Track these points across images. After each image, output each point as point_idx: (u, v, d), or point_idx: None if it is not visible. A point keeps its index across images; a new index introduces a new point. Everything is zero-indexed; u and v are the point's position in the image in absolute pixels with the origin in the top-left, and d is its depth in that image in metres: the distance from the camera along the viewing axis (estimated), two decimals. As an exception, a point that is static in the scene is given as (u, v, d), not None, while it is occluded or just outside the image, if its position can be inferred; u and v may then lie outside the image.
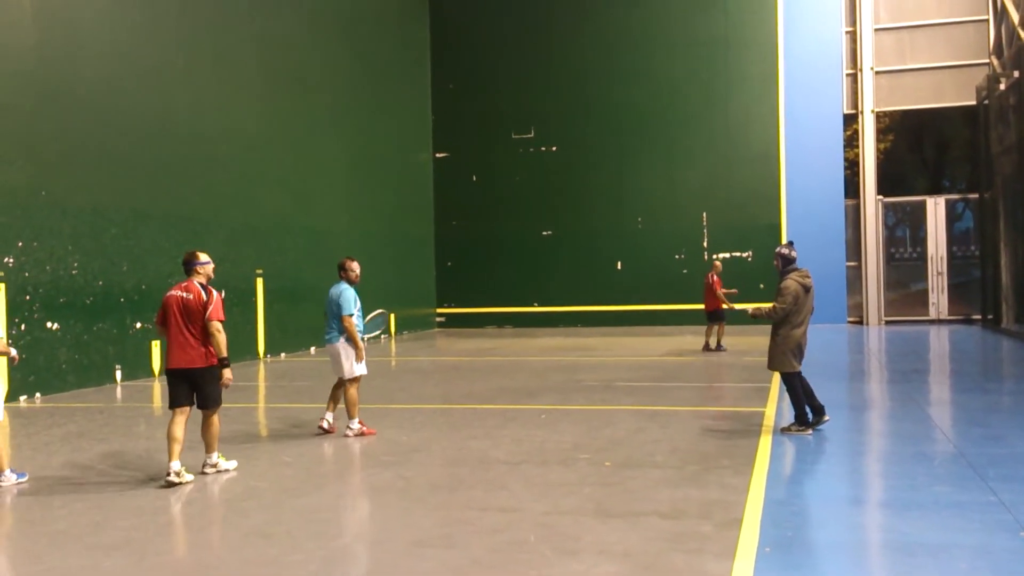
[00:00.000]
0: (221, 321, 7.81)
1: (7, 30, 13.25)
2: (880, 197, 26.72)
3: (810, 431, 9.23)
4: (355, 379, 9.66)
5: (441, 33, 29.21)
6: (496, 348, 21.14)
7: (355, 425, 9.65)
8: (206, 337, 7.78)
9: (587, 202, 27.82)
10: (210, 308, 7.74)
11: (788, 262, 9.44)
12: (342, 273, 9.97)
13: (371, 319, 10.63)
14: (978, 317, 25.82)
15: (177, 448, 7.63)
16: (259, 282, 19.10)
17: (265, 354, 19.22)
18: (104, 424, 10.93)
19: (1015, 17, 22.50)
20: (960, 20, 26.35)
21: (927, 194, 27.33)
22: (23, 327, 13.24)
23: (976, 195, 26.34)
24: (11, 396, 12.96)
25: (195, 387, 7.84)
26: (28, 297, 13.34)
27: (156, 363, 15.83)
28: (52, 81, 14.03)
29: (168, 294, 7.90)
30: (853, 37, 26.89)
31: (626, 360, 17.52)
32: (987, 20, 25.94)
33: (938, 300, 26.59)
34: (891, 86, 26.84)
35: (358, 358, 9.59)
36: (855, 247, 26.80)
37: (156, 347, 15.79)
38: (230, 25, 18.74)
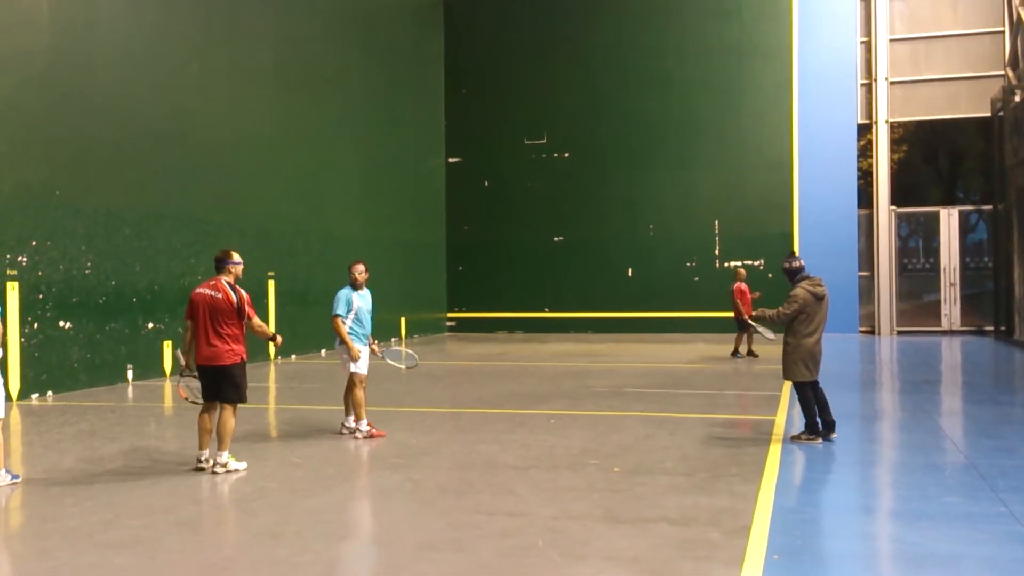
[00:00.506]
0: (255, 316, 8.15)
1: (23, 32, 13.35)
2: (893, 207, 26.65)
3: (820, 440, 9.20)
4: (359, 380, 9.69)
5: (454, 39, 29.27)
6: (506, 353, 21.14)
7: (364, 427, 9.67)
8: (232, 335, 7.97)
9: (599, 208, 27.81)
10: (246, 308, 7.98)
11: (793, 273, 9.41)
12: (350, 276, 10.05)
13: (393, 352, 10.63)
14: (990, 328, 25.71)
15: (206, 438, 8.09)
16: (271, 284, 19.16)
17: (276, 356, 19.27)
18: (115, 423, 10.97)
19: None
20: (976, 32, 26.28)
21: (940, 205, 27.24)
22: (36, 326, 13.31)
23: (990, 207, 26.25)
24: (23, 394, 13.03)
25: (218, 382, 8.01)
26: (41, 296, 13.41)
27: (167, 363, 15.88)
28: (67, 83, 14.12)
29: (196, 291, 8.09)
30: (868, 47, 26.85)
31: (636, 366, 17.50)
32: (1003, 32, 25.87)
33: (950, 311, 26.48)
34: (906, 96, 26.79)
35: (352, 357, 9.62)
36: (868, 257, 26.74)
37: (168, 347, 15.85)
38: (245, 30, 18.83)
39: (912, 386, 14.33)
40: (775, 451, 8.74)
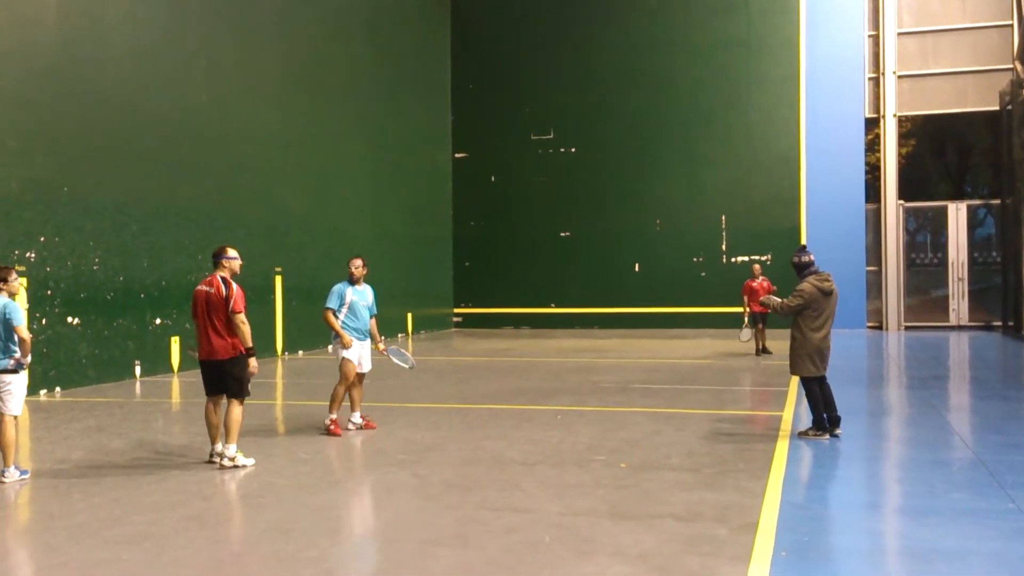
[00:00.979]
0: (241, 312, 8.03)
1: (31, 27, 13.37)
2: (901, 202, 26.58)
3: (827, 436, 9.19)
4: (348, 374, 9.71)
5: (462, 34, 29.24)
6: (512, 349, 21.14)
7: (327, 420, 9.75)
8: (229, 329, 8.01)
9: (605, 204, 27.78)
10: (232, 301, 7.96)
11: (801, 268, 9.38)
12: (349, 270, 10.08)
13: (399, 353, 10.62)
14: (998, 323, 25.64)
15: (215, 432, 8.21)
16: (278, 280, 19.19)
17: (283, 351, 19.30)
18: (123, 419, 11.00)
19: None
20: (984, 25, 26.17)
21: (948, 199, 27.15)
22: (44, 321, 13.35)
23: (998, 201, 26.17)
24: (31, 390, 13.05)
25: (220, 377, 8.10)
26: (49, 292, 13.45)
27: (175, 359, 15.92)
28: (76, 78, 14.14)
29: (196, 288, 8.22)
30: (876, 41, 26.76)
31: (642, 362, 17.49)
32: (1011, 25, 25.76)
33: (958, 306, 26.41)
34: (913, 90, 26.70)
35: (344, 344, 9.66)
36: (875, 252, 26.67)
37: (175, 343, 15.88)
38: (253, 25, 18.84)
39: (920, 382, 14.30)
40: (782, 447, 8.73)
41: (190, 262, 16.34)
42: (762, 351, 18.13)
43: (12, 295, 7.74)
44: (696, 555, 5.44)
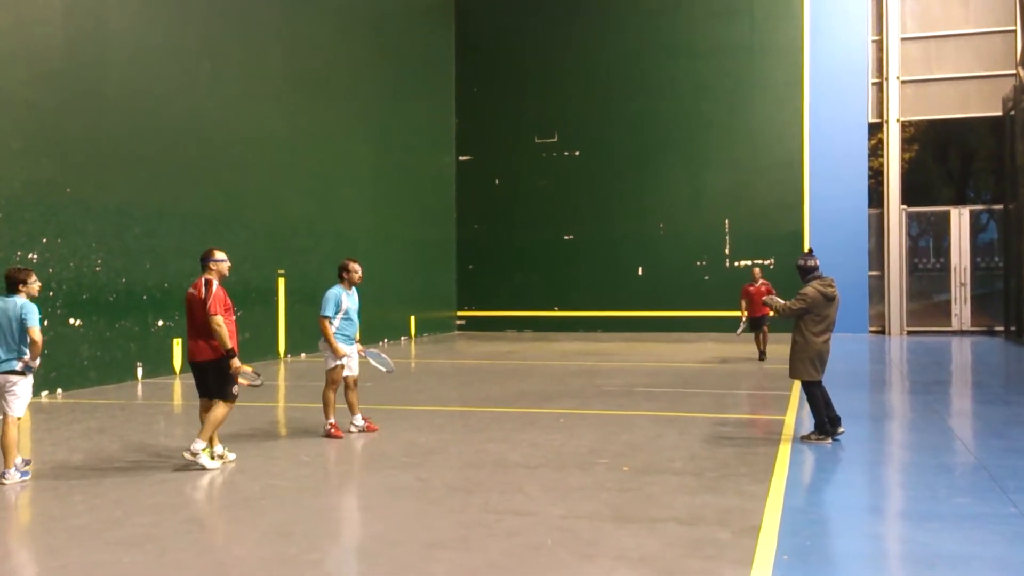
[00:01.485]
0: (217, 315, 7.94)
1: (36, 28, 13.39)
2: (904, 207, 26.56)
3: (830, 440, 9.17)
4: (334, 380, 9.68)
5: (466, 37, 29.28)
6: (515, 352, 21.14)
7: (327, 425, 9.71)
8: (210, 331, 7.97)
9: (609, 207, 27.78)
10: (209, 302, 7.93)
11: (806, 272, 9.37)
12: (344, 274, 9.94)
13: (378, 356, 10.49)
14: (1001, 329, 25.61)
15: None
16: (281, 282, 19.19)
17: (286, 354, 19.31)
18: (125, 421, 11.00)
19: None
20: (987, 30, 26.17)
21: (951, 204, 27.14)
22: (46, 323, 13.33)
23: (1001, 206, 26.14)
24: (33, 391, 13.04)
25: (202, 377, 8.16)
26: (52, 293, 13.45)
27: (177, 361, 15.92)
28: (80, 81, 14.16)
29: (188, 291, 8.28)
30: (879, 46, 26.75)
31: (645, 365, 17.48)
32: (1014, 31, 25.76)
33: (961, 311, 26.38)
34: (917, 95, 26.69)
35: (336, 356, 9.62)
36: (878, 256, 26.65)
37: (177, 345, 15.89)
38: (257, 28, 18.86)
39: (922, 386, 14.28)
40: (784, 451, 8.72)
41: (192, 264, 16.27)
42: (762, 355, 18.07)
43: (31, 297, 7.79)
44: (698, 559, 5.43)
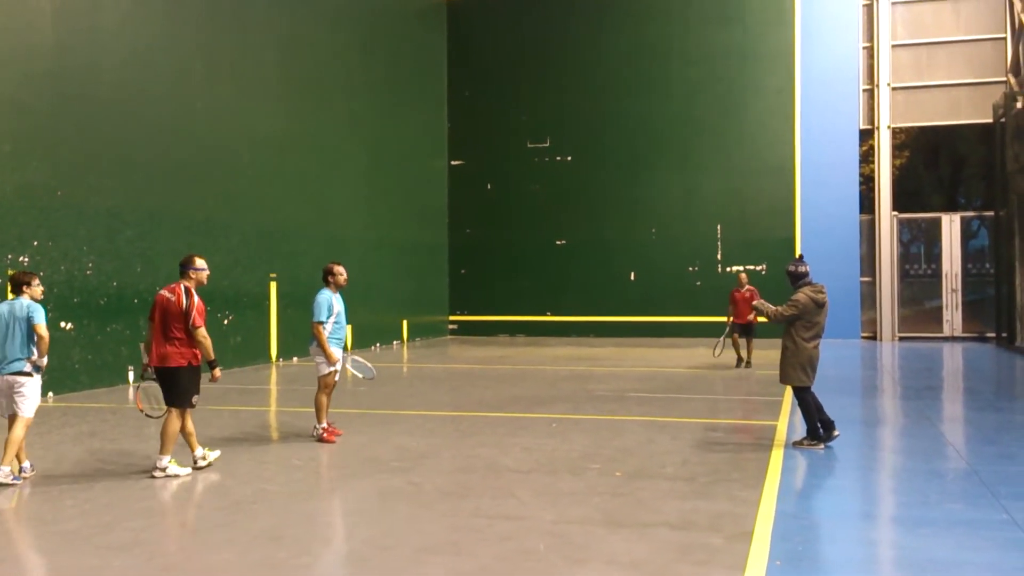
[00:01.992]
0: (201, 327, 7.98)
1: (26, 31, 13.35)
2: (895, 213, 26.63)
3: (822, 446, 9.18)
4: (326, 384, 9.65)
5: (458, 41, 29.28)
6: (508, 356, 21.12)
7: (318, 429, 9.67)
8: (180, 339, 7.94)
9: (601, 212, 27.79)
10: (192, 314, 7.92)
11: (796, 278, 9.38)
12: (329, 278, 9.85)
13: (357, 362, 10.41)
14: (992, 335, 25.68)
15: (191, 439, 8.18)
16: (273, 286, 19.16)
17: (278, 358, 19.26)
18: (116, 425, 10.97)
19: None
20: (977, 38, 26.26)
21: (942, 211, 27.21)
22: (37, 326, 13.29)
23: (991, 213, 26.22)
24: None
25: (165, 384, 8.04)
26: (42, 297, 13.37)
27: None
28: (71, 83, 14.12)
29: (158, 293, 8.15)
30: (870, 53, 26.84)
31: (637, 371, 17.49)
32: (1005, 38, 25.86)
33: (952, 317, 26.45)
34: (908, 102, 26.77)
35: (330, 362, 9.59)
36: (869, 263, 26.71)
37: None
38: (249, 31, 18.84)
39: (914, 392, 14.31)
40: (777, 456, 8.73)
41: (184, 268, 16.27)
42: (746, 363, 17.90)
43: (34, 299, 7.94)
44: (690, 564, 5.43)
